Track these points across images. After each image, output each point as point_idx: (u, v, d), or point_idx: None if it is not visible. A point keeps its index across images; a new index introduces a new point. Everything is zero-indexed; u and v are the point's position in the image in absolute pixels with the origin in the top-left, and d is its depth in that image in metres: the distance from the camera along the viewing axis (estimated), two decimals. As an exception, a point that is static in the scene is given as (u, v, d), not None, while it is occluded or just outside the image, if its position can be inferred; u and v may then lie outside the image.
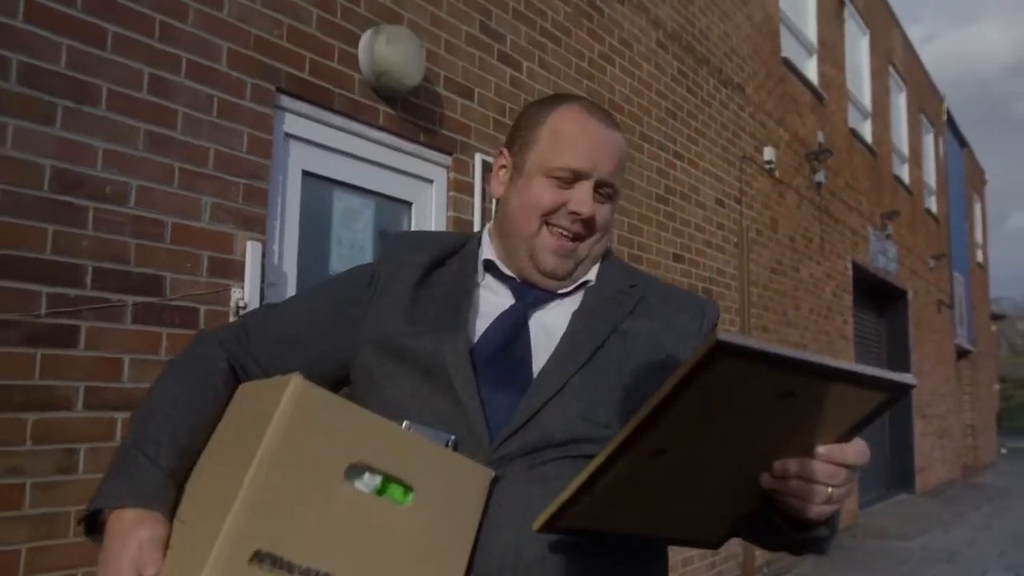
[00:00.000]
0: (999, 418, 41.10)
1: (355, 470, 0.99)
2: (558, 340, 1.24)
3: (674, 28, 6.00)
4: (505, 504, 1.10)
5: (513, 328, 1.24)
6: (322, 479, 0.96)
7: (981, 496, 13.85)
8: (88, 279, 2.48)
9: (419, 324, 1.23)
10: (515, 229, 1.30)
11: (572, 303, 1.31)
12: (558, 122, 1.29)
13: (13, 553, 2.28)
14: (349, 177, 3.43)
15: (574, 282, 1.32)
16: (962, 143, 18.54)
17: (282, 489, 0.93)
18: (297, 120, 3.19)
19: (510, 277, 1.31)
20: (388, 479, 1.01)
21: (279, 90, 3.10)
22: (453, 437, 1.12)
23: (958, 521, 10.79)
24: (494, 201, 1.36)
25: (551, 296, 1.30)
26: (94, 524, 1.07)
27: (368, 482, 1.00)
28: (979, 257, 20.21)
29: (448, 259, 1.33)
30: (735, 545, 6.26)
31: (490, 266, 1.33)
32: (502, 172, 1.35)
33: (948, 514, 11.27)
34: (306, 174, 3.25)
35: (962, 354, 17.32)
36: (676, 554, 5.46)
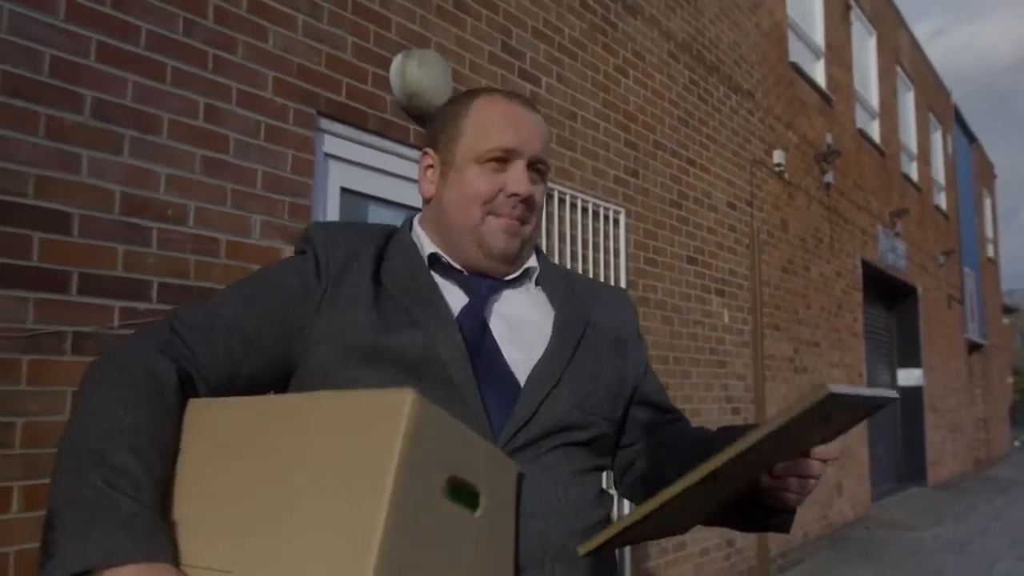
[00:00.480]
0: (1013, 411, 40.99)
1: (448, 484, 0.93)
2: (521, 330, 1.28)
3: (685, 39, 6.21)
4: (526, 496, 1.13)
5: (477, 322, 1.24)
6: (431, 501, 0.91)
7: (994, 488, 14.00)
8: (154, 293, 2.71)
9: (391, 321, 1.19)
10: (456, 223, 1.29)
11: (523, 291, 1.35)
12: (480, 110, 1.31)
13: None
14: (382, 192, 3.66)
15: (519, 267, 1.35)
16: (971, 139, 18.65)
17: (405, 520, 0.85)
18: (335, 141, 3.42)
19: (456, 270, 1.31)
20: (462, 486, 0.97)
21: (319, 113, 3.33)
22: None
23: (970, 513, 10.95)
24: (422, 200, 1.38)
25: (500, 285, 1.32)
26: None
27: (454, 493, 0.95)
28: (989, 252, 20.32)
29: (384, 253, 1.30)
30: (749, 537, 6.46)
31: (434, 260, 1.31)
32: (430, 172, 1.35)
33: (960, 506, 11.44)
34: (344, 190, 3.48)
35: (974, 348, 17.45)
36: (694, 545, 5.67)
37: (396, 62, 3.62)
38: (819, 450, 1.09)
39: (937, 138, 15.30)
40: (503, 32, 4.32)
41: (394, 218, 3.77)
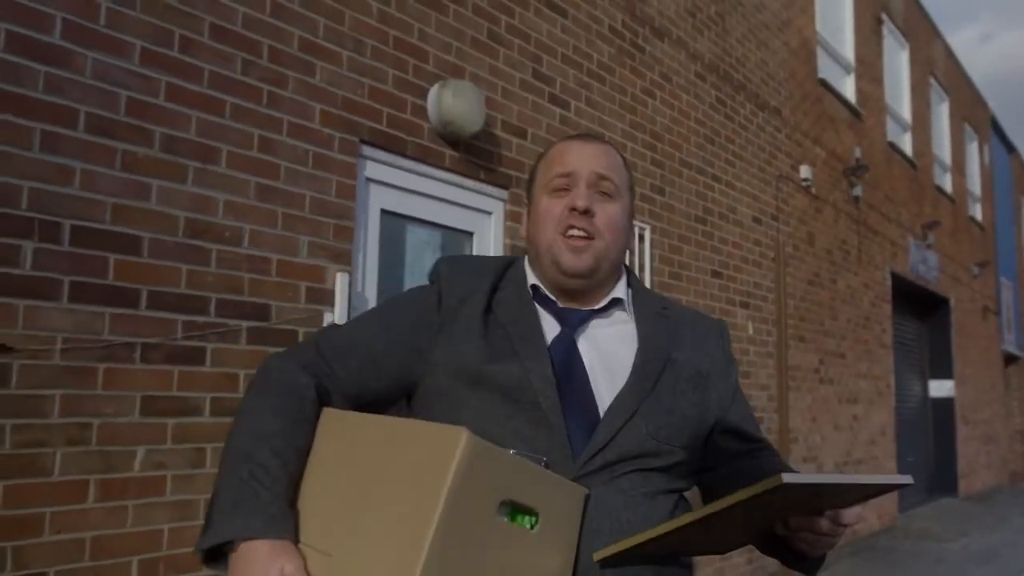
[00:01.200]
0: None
1: (502, 506, 1.12)
2: (609, 357, 1.42)
3: (712, 59, 6.43)
4: (594, 515, 1.27)
5: (568, 351, 1.40)
6: (481, 517, 1.09)
7: (1026, 501, 13.96)
8: (212, 308, 3.01)
9: (497, 350, 1.36)
10: (537, 246, 1.47)
11: (611, 322, 1.49)
12: (548, 153, 1.55)
13: (158, 532, 2.82)
14: (420, 213, 3.94)
15: (604, 295, 1.49)
16: (1010, 148, 18.56)
17: (456, 531, 1.05)
18: (376, 166, 3.70)
19: (551, 300, 1.47)
20: (521, 509, 1.16)
21: (361, 141, 3.61)
22: (545, 459, 1.27)
23: (1000, 525, 10.98)
24: (527, 243, 1.58)
25: (590, 315, 1.46)
26: (213, 553, 1.15)
27: (510, 514, 1.14)
28: (1029, 262, 20.13)
29: (499, 283, 1.47)
30: (772, 543, 6.63)
31: (534, 290, 1.47)
32: (525, 218, 1.59)
33: (991, 518, 11.46)
34: (384, 212, 3.77)
35: (1011, 360, 17.35)
36: (714, 550, 5.87)
37: (433, 92, 3.90)
38: (835, 513, 1.20)
39: (973, 149, 15.30)
40: (534, 60, 4.58)
41: (429, 237, 4.05)
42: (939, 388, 12.58)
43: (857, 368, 8.76)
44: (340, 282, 3.41)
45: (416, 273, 3.94)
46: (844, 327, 8.52)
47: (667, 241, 5.63)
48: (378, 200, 3.74)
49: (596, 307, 1.48)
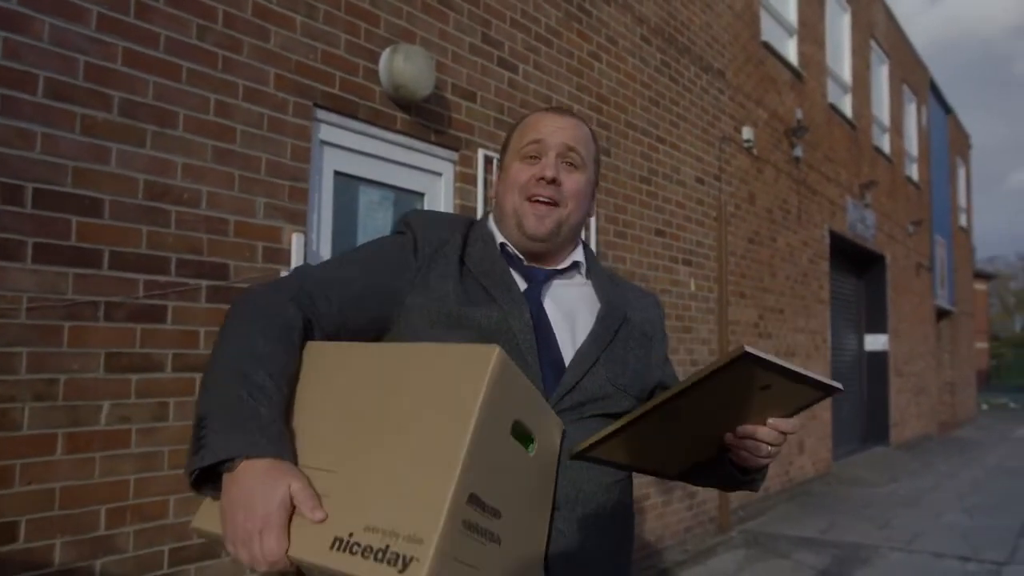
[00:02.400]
0: (988, 376, 41.85)
1: (514, 424, 1.17)
2: (569, 314, 1.53)
3: (657, 23, 6.57)
4: (565, 448, 1.37)
5: (535, 304, 1.50)
6: (501, 434, 1.14)
7: (954, 448, 14.63)
8: (172, 268, 3.11)
9: (473, 296, 1.45)
10: (504, 208, 1.58)
11: (573, 283, 1.62)
12: (523, 122, 1.66)
13: (124, 482, 2.95)
14: (372, 174, 4.06)
15: (565, 257, 1.62)
16: (947, 110, 19.06)
17: (483, 443, 1.08)
18: (329, 129, 3.80)
19: (518, 259, 1.57)
20: (523, 432, 1.21)
21: (315, 105, 3.71)
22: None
23: (926, 470, 11.55)
24: (494, 203, 1.67)
25: (552, 274, 1.58)
26: (202, 476, 1.14)
27: (516, 433, 1.18)
28: (962, 221, 20.84)
29: (468, 238, 1.57)
30: (711, 490, 6.96)
31: (502, 248, 1.58)
32: (495, 180, 1.69)
33: (918, 465, 12.03)
34: (337, 174, 3.88)
35: (943, 314, 18.02)
36: (658, 496, 6.16)
37: (384, 56, 3.99)
38: (775, 421, 1.33)
39: (911, 110, 15.70)
40: (483, 24, 4.68)
41: (381, 198, 4.17)
42: (874, 342, 13.06)
43: (795, 323, 9.10)
44: (296, 242, 3.53)
45: (369, 232, 4.06)
46: (783, 284, 8.83)
47: (612, 201, 5.81)
48: (331, 162, 3.84)
49: (559, 267, 1.60)
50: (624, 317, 1.58)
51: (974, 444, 15.66)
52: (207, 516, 1.19)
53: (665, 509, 6.30)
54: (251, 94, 3.42)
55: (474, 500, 1.06)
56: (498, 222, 1.62)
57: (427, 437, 1.08)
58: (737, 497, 7.42)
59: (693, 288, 6.87)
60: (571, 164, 1.58)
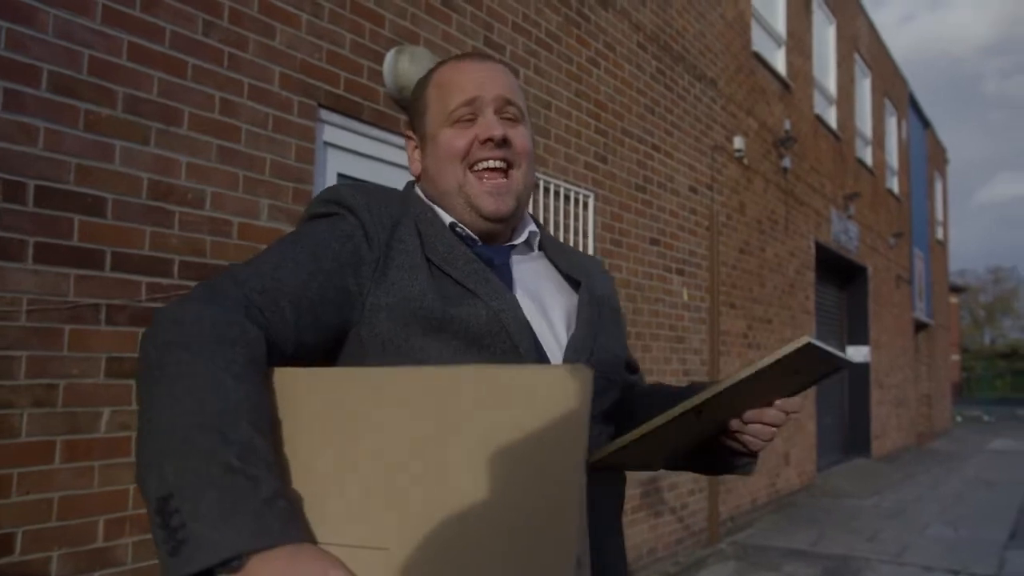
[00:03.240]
0: (960, 388, 42.33)
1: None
2: (537, 295, 1.31)
3: (653, 30, 6.55)
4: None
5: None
6: (580, 469, 0.90)
7: (932, 460, 14.71)
8: (175, 270, 3.02)
9: (447, 293, 1.20)
10: (443, 186, 1.31)
11: (530, 259, 1.39)
12: (437, 77, 1.37)
13: (123, 492, 2.84)
14: (375, 177, 3.97)
15: (523, 231, 1.39)
16: (925, 124, 19.26)
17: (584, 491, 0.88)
18: (333, 130, 3.72)
19: (473, 240, 1.32)
20: None
21: (319, 105, 3.62)
22: None
23: (908, 482, 11.59)
24: (415, 180, 1.43)
25: (509, 250, 1.35)
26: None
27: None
28: (939, 234, 21.05)
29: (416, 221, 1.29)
30: (701, 501, 6.93)
31: (451, 229, 1.31)
32: (415, 152, 1.40)
33: (900, 476, 12.07)
34: (340, 176, 3.79)
35: (920, 327, 18.16)
36: (649, 507, 6.11)
37: (389, 57, 3.92)
38: (783, 402, 1.18)
39: (892, 123, 15.84)
40: (485, 27, 4.62)
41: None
42: (856, 353, 13.11)
43: (782, 333, 9.10)
44: (299, 246, 3.44)
45: (372, 237, 3.97)
46: (771, 294, 8.83)
47: (609, 208, 5.76)
48: (335, 164, 3.76)
49: (516, 242, 1.37)
50: (597, 296, 1.37)
51: (951, 456, 15.76)
52: None
53: (656, 521, 6.24)
54: (256, 93, 3.33)
55: (579, 563, 0.85)
56: (436, 200, 1.34)
57: (518, 492, 0.85)
58: (726, 508, 7.39)
59: (686, 298, 6.83)
60: (511, 119, 1.33)
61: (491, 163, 1.29)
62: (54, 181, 2.67)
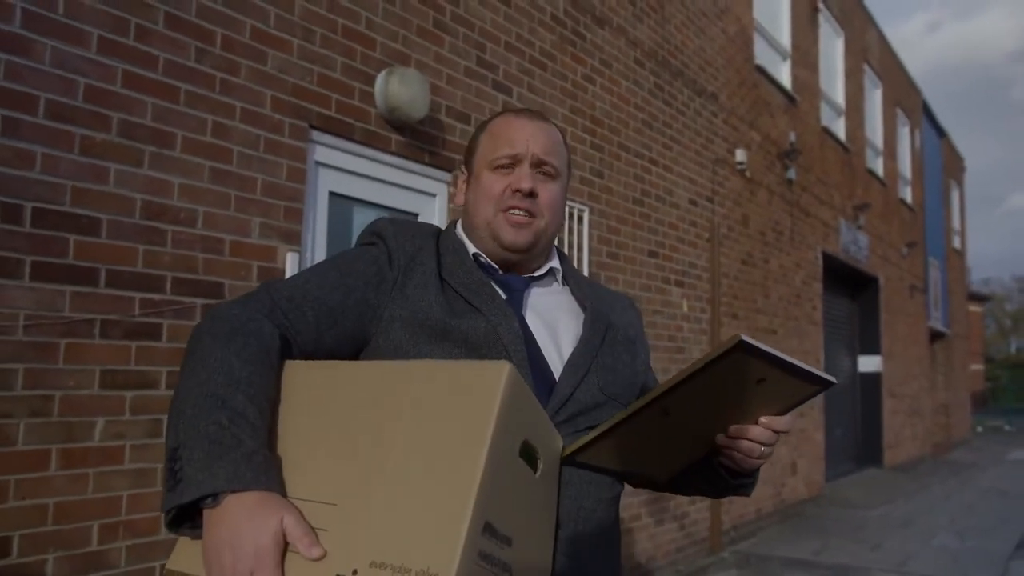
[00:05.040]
0: (985, 398, 41.82)
1: (522, 445, 1.09)
2: (550, 322, 1.48)
3: (651, 46, 6.66)
4: (563, 466, 1.31)
5: (519, 313, 1.46)
6: (511, 456, 1.06)
7: (948, 471, 14.63)
8: (168, 286, 3.16)
9: (456, 308, 1.39)
10: (477, 220, 1.51)
11: (551, 290, 1.57)
12: (492, 126, 1.57)
13: (117, 498, 2.98)
14: (366, 195, 4.11)
15: (543, 265, 1.57)
16: (940, 133, 19.21)
17: (496, 467, 1.00)
18: (325, 150, 3.86)
19: (493, 269, 1.51)
20: (530, 451, 1.13)
21: (311, 126, 3.76)
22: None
23: (920, 493, 11.55)
24: (462, 211, 1.62)
25: (530, 282, 1.53)
26: (182, 513, 1.05)
27: (524, 454, 1.10)
28: (956, 243, 20.94)
29: (440, 248, 1.50)
30: (703, 510, 6.99)
31: (475, 258, 1.51)
32: (462, 186, 1.61)
33: (913, 486, 12.04)
34: (332, 194, 3.93)
35: (936, 336, 18.07)
36: (651, 516, 6.19)
37: (380, 79, 4.06)
38: (769, 420, 1.26)
39: (905, 133, 15.84)
40: (478, 48, 4.76)
41: (375, 217, 4.22)
42: (867, 363, 13.11)
43: (788, 344, 9.14)
44: (290, 261, 3.58)
45: (363, 253, 4.10)
46: (776, 305, 8.88)
47: (605, 222, 5.87)
48: (327, 183, 3.90)
49: (536, 275, 1.55)
50: (609, 322, 1.54)
51: (968, 466, 15.67)
52: (185, 557, 1.09)
53: (657, 529, 6.32)
54: (248, 116, 3.48)
55: (488, 529, 0.98)
56: (468, 231, 1.56)
57: (436, 463, 1.00)
58: (729, 518, 7.44)
59: (685, 309, 6.92)
60: (546, 174, 1.53)
61: (516, 213, 1.49)
62: (50, 203, 2.82)
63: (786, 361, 1.12)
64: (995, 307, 58.87)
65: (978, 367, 36.90)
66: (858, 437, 13.23)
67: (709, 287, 7.33)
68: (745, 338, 1.05)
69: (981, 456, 18.03)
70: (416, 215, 4.40)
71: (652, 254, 6.47)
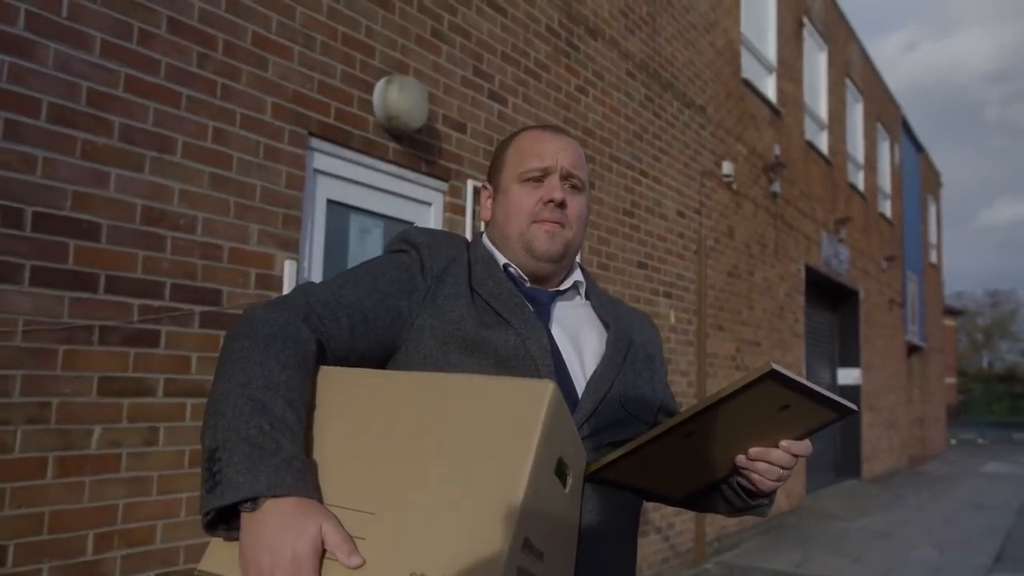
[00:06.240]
0: (957, 411, 42.29)
1: (557, 462, 1.11)
2: (574, 335, 1.50)
3: (642, 58, 6.69)
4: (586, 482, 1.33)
5: (546, 326, 1.47)
6: (548, 472, 1.08)
7: (923, 483, 14.77)
8: (167, 292, 3.13)
9: (486, 319, 1.40)
10: (509, 233, 1.52)
11: (575, 304, 1.59)
12: (518, 142, 1.59)
13: (113, 507, 2.94)
14: (364, 203, 4.10)
15: (569, 279, 1.59)
16: (918, 148, 19.44)
17: (536, 484, 1.02)
18: (323, 158, 3.84)
19: (521, 280, 1.53)
20: (562, 467, 1.15)
21: (310, 134, 3.75)
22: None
23: (897, 504, 11.66)
24: (483, 224, 1.64)
25: (555, 296, 1.55)
26: (218, 515, 1.06)
27: (557, 471, 1.12)
28: (932, 257, 21.19)
29: (469, 260, 1.51)
30: (688, 522, 7.01)
31: (505, 269, 1.53)
32: (488, 201, 1.63)
33: (890, 498, 12.15)
34: (330, 202, 3.91)
35: (913, 350, 18.26)
36: (634, 527, 6.18)
37: (379, 87, 4.05)
38: (789, 443, 1.29)
39: (884, 148, 16.01)
40: (475, 57, 4.76)
41: (373, 226, 4.21)
42: (847, 376, 13.21)
43: (771, 356, 9.20)
44: (288, 269, 3.56)
45: (359, 259, 4.08)
46: (760, 317, 8.94)
47: (596, 233, 5.89)
48: (325, 190, 3.88)
49: (561, 288, 1.57)
50: (630, 340, 1.56)
51: (943, 478, 15.83)
52: (219, 559, 1.08)
53: (641, 540, 6.32)
54: (248, 122, 3.46)
55: (527, 544, 0.99)
56: (497, 244, 1.58)
57: (479, 478, 1.01)
58: (712, 529, 7.46)
59: (673, 320, 6.94)
60: (573, 187, 1.56)
61: (547, 227, 1.51)
62: (51, 207, 2.79)
63: (814, 390, 1.14)
64: (967, 321, 59.61)
65: (951, 380, 37.33)
66: (837, 449, 13.33)
67: (696, 299, 7.36)
68: (776, 367, 1.07)
69: (955, 469, 18.22)
70: (412, 223, 4.39)
71: (641, 265, 6.49)
